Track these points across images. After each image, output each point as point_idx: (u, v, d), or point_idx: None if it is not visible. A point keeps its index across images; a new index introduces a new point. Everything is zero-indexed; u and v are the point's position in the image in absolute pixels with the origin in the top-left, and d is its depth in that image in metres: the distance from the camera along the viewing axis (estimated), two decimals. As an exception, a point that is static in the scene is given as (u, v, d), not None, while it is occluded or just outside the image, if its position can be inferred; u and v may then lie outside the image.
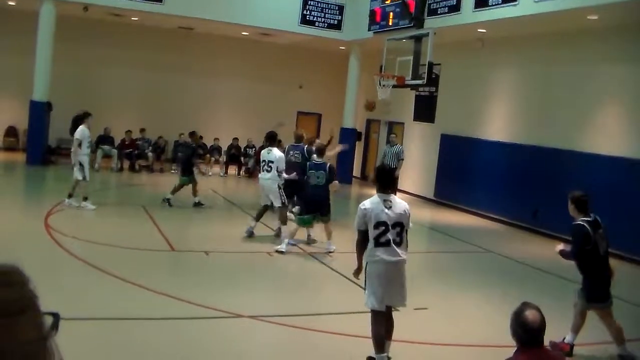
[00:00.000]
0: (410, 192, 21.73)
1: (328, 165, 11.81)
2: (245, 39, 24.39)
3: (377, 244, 6.35)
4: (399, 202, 6.57)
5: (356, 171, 25.86)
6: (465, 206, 19.22)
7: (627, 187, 14.28)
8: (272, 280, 10.07)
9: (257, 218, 12.55)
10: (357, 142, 24.59)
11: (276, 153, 12.14)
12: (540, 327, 4.03)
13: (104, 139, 21.35)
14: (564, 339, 7.45)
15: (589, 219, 7.59)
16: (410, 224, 6.60)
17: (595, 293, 7.46)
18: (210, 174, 22.17)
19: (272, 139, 12.63)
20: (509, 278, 11.70)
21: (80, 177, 13.70)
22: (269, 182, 12.05)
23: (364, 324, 7.10)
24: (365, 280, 6.59)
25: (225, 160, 23.45)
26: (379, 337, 6.51)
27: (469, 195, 19.13)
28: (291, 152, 13.15)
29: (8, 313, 1.22)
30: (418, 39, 16.98)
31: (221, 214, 15.79)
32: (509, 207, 17.39)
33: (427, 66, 16.18)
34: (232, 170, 23.47)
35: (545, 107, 16.88)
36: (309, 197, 11.85)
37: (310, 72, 26.24)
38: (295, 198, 13.05)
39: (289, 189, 12.40)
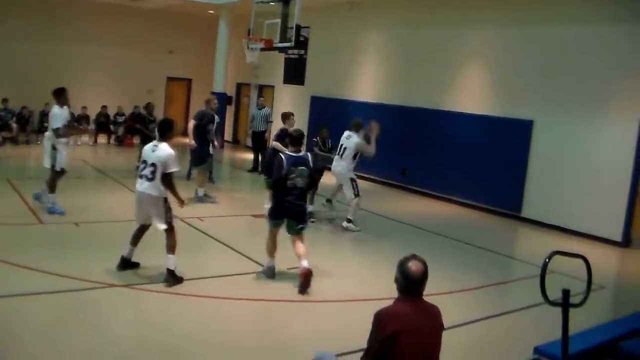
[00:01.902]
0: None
1: None
2: (112, 3, 23.68)
3: None
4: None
5: (227, 135, 25.79)
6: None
7: (488, 142, 15.05)
8: (145, 247, 10.00)
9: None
10: (227, 107, 24.46)
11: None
12: (421, 278, 4.20)
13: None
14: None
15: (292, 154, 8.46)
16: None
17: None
18: (79, 143, 21.55)
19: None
20: (377, 234, 12.11)
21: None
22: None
23: (234, 286, 7.18)
24: None
25: (94, 128, 22.83)
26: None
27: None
28: None
29: None
30: (286, 2, 16.94)
31: (92, 183, 15.44)
32: (379, 166, 17.83)
33: (295, 29, 16.24)
34: (102, 139, 22.91)
35: (411, 69, 17.41)
36: None
37: (180, 37, 25.83)
38: None
39: None
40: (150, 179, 7.98)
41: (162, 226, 8.07)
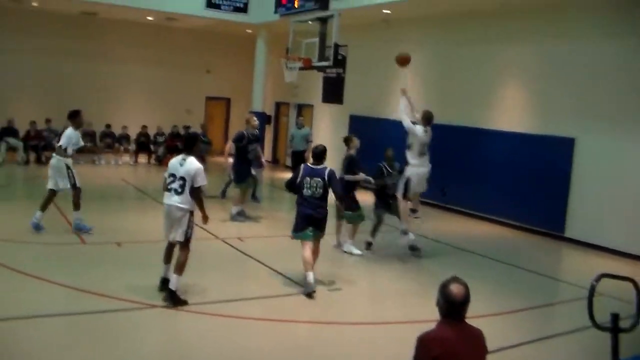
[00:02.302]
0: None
1: None
2: (151, 24, 23.99)
3: None
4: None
5: (267, 155, 25.86)
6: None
7: (529, 161, 14.86)
8: (186, 267, 10.01)
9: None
10: (266, 126, 24.54)
11: None
12: (463, 301, 4.12)
13: (8, 131, 20.71)
14: None
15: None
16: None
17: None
18: (120, 163, 21.78)
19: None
20: (422, 255, 11.97)
21: None
22: None
23: (276, 308, 7.16)
24: None
25: (135, 148, 23.08)
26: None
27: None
28: None
29: None
30: (324, 21, 17.02)
31: (132, 203, 15.57)
32: (418, 185, 17.75)
33: (333, 48, 16.27)
34: (142, 159, 23.12)
35: (448, 86, 17.31)
36: None
37: (218, 57, 26.04)
38: None
39: None
40: (180, 193, 7.97)
41: (180, 238, 8.04)
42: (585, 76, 13.89)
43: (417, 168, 11.92)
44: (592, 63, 13.75)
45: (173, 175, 8.07)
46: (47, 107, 21.92)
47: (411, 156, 11.96)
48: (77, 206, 11.54)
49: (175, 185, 8.00)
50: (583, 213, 13.89)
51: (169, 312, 7.66)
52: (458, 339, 4.07)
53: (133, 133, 23.25)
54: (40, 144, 21.09)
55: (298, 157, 18.44)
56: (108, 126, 23.03)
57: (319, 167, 9.18)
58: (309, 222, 8.99)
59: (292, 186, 9.24)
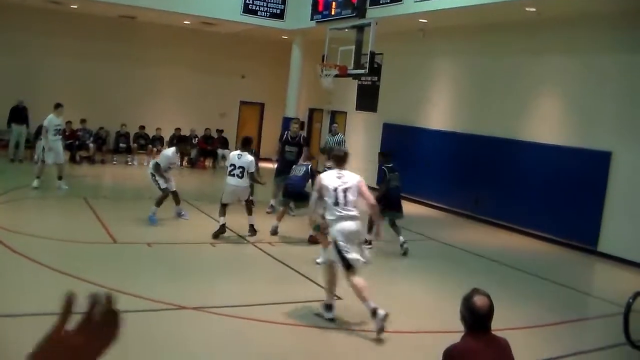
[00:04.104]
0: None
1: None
2: (187, 28, 24.16)
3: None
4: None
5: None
6: (408, 195, 19.38)
7: (563, 173, 14.67)
8: (215, 270, 10.04)
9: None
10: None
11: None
12: (488, 312, 4.10)
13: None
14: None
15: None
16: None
17: None
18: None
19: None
20: (452, 265, 11.88)
21: (50, 161, 15.33)
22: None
23: (304, 314, 7.13)
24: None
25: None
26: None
27: (411, 184, 19.27)
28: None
29: None
30: (360, 29, 17.04)
31: (164, 204, 15.63)
32: (451, 195, 17.65)
33: (369, 56, 16.26)
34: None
35: (485, 96, 17.19)
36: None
37: (253, 62, 26.13)
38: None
39: None
40: (241, 177, 11.71)
41: (248, 197, 12.08)
42: (625, 89, 13.70)
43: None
44: (632, 75, 13.56)
45: (233, 165, 11.76)
46: (83, 108, 22.15)
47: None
48: (158, 203, 12.90)
49: (237, 172, 11.69)
50: (617, 228, 13.67)
51: (198, 314, 7.68)
52: (485, 351, 4.03)
53: (167, 135, 23.40)
54: (74, 143, 21.31)
55: None
56: (142, 127, 23.21)
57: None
58: None
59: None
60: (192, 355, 6.66)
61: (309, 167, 13.34)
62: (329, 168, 9.49)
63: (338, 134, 18.40)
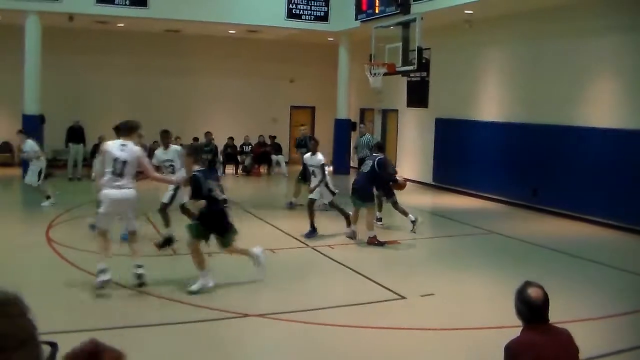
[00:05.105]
0: (409, 178, 21.72)
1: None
2: (233, 37, 24.35)
3: None
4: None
5: (353, 162, 25.81)
6: (464, 189, 19.23)
7: (626, 157, 14.26)
8: (277, 276, 10.04)
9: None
10: (352, 132, 24.53)
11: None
12: (544, 303, 4.03)
13: (99, 148, 21.33)
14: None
15: None
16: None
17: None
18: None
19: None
20: (513, 258, 11.67)
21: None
22: None
23: (368, 315, 7.07)
24: None
25: (222, 159, 23.42)
26: None
27: (467, 177, 19.13)
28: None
29: (6, 347, 1.15)
30: (406, 25, 16.94)
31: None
32: (508, 186, 17.39)
33: (416, 51, 16.15)
34: (229, 169, 23.43)
35: (537, 84, 16.86)
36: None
37: (301, 66, 26.21)
38: None
39: None
40: (316, 176, 12.67)
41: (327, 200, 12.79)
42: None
43: None
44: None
45: (311, 165, 12.83)
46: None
47: None
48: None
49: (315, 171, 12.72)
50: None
51: (262, 321, 7.68)
52: (546, 343, 3.96)
53: (220, 145, 23.59)
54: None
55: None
56: (195, 139, 23.42)
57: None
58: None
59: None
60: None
61: (377, 160, 12.45)
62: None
63: (365, 134, 18.19)
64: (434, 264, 11.32)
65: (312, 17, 22.10)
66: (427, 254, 12.19)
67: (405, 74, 18.74)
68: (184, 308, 8.01)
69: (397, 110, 23.40)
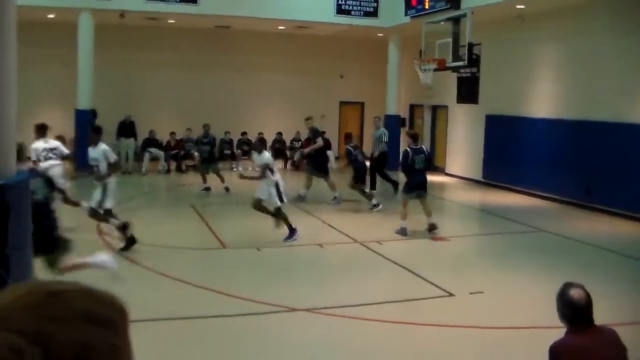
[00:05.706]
0: (458, 175, 21.55)
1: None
2: (283, 32, 24.38)
3: None
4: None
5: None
6: (514, 186, 18.96)
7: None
8: (325, 271, 10.04)
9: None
10: (401, 129, 24.41)
11: None
12: (587, 304, 3.95)
13: (150, 142, 21.64)
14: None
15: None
16: None
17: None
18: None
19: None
20: (563, 257, 11.45)
21: None
22: None
23: (416, 312, 7.01)
24: None
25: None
26: None
27: (518, 174, 18.87)
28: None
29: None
30: (456, 20, 16.78)
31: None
32: (560, 184, 17.08)
33: (467, 47, 15.98)
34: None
35: (589, 80, 16.51)
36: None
37: (350, 61, 26.14)
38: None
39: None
40: None
41: None
42: None
43: None
44: None
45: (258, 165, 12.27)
46: (186, 119, 22.76)
47: None
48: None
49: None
50: None
51: (309, 316, 7.69)
52: (592, 344, 3.89)
53: (269, 140, 23.67)
54: (179, 153, 21.88)
55: (381, 159, 17.97)
56: (244, 134, 23.59)
57: (418, 147, 12.72)
58: (419, 187, 12.47)
59: (408, 168, 12.48)
60: (307, 356, 6.66)
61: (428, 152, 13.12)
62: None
63: (380, 128, 18.04)
64: (483, 261, 11.19)
65: (362, 12, 22.03)
66: (476, 251, 12.09)
67: (455, 69, 18.57)
68: (233, 301, 8.05)
69: (447, 106, 23.19)
